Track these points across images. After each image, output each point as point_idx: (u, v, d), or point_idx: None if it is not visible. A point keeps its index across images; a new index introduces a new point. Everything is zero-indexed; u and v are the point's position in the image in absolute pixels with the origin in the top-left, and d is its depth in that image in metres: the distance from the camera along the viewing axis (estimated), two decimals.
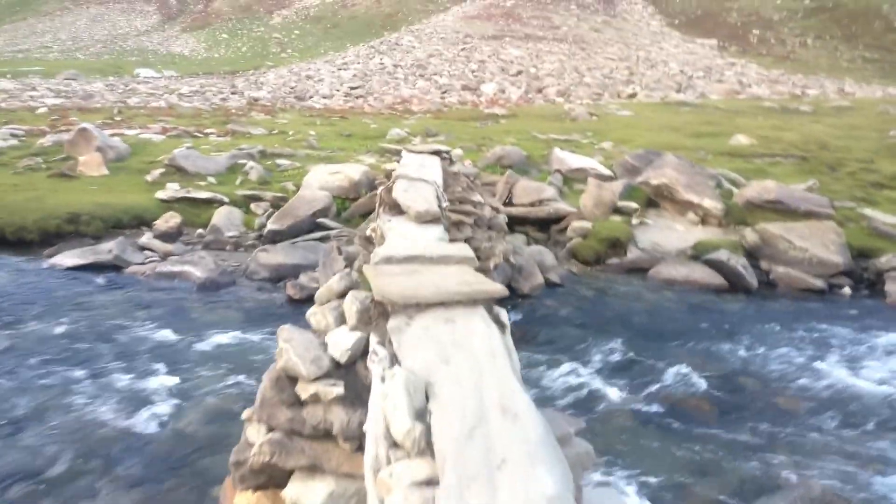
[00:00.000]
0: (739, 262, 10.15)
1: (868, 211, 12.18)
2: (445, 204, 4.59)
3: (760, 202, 12.26)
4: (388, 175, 8.12)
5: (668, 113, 28.60)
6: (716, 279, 10.11)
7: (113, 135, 19.12)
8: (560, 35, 68.89)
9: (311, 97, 42.41)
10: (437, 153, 7.84)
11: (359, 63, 61.31)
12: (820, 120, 26.02)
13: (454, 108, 34.23)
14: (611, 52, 61.33)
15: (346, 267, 9.60)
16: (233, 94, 43.34)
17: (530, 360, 7.51)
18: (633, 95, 40.74)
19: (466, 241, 8.15)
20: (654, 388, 6.95)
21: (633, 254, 11.03)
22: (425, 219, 3.96)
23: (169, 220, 11.88)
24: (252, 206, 13.23)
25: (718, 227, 12.20)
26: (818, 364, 7.73)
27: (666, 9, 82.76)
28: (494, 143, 19.30)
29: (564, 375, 7.12)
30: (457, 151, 8.62)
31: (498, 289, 3.14)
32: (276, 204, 13.21)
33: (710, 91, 44.11)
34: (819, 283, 10.15)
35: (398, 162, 8.04)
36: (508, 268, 9.21)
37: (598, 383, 6.93)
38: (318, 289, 9.58)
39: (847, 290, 10.10)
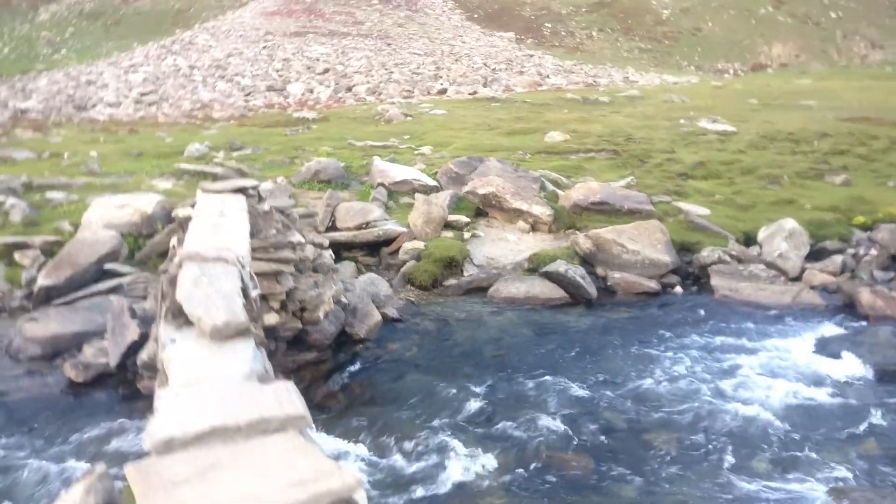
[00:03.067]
0: (577, 273, 9.86)
1: (683, 205, 12.60)
2: (256, 292, 3.38)
3: (587, 204, 12.21)
4: (179, 226, 6.61)
5: (480, 109, 28.83)
6: (556, 292, 9.74)
7: None
8: (364, 31, 68.01)
9: (94, 106, 37.67)
10: (241, 190, 6.48)
11: (149, 65, 55.90)
12: (619, 110, 27.58)
13: (260, 113, 32.03)
14: (416, 48, 61.58)
15: (139, 334, 7.92)
16: None
17: (374, 427, 6.47)
18: (443, 91, 40.95)
19: (288, 294, 6.92)
20: (516, 445, 6.23)
21: (469, 272, 10.38)
22: (225, 334, 2.76)
23: None
24: (16, 255, 10.74)
25: (549, 232, 11.96)
26: (669, 380, 7.52)
27: (465, 3, 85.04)
28: (308, 154, 17.90)
29: (417, 443, 6.16)
30: (265, 185, 7.31)
31: (351, 482, 2.03)
32: (49, 251, 10.85)
33: (514, 83, 45.66)
34: (653, 285, 10.16)
35: (191, 206, 6.56)
36: (341, 311, 8.06)
37: (456, 451, 6.05)
38: (106, 364, 7.84)
39: (679, 289, 10.22)
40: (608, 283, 10.24)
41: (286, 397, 2.49)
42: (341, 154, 17.95)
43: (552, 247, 11.24)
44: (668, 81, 51.86)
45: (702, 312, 9.46)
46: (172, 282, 3.38)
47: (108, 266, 10.50)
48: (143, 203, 11.84)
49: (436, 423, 6.49)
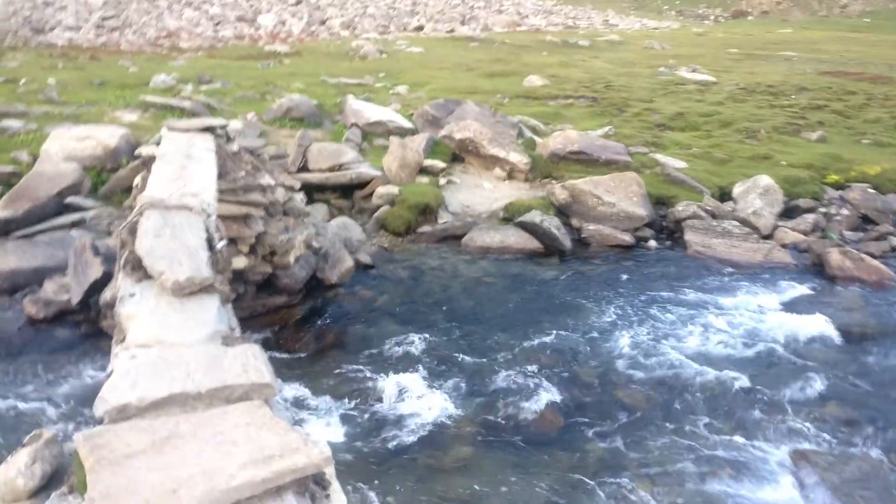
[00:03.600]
0: (553, 224, 9.76)
1: (660, 157, 12.49)
2: (221, 243, 3.19)
3: (565, 153, 12.04)
4: (143, 164, 6.28)
5: (458, 49, 28.10)
6: (531, 243, 9.66)
7: None
8: None
9: (52, 29, 35.73)
10: (209, 129, 6.16)
11: None
12: (599, 55, 27.13)
13: (230, 45, 30.81)
14: None
15: (103, 272, 7.66)
16: None
17: (344, 374, 6.42)
18: (420, 28, 39.80)
19: (258, 238, 6.70)
20: (485, 397, 6.23)
21: (444, 219, 10.22)
22: (188, 290, 2.59)
23: None
24: None
25: (525, 181, 11.80)
26: (638, 336, 7.55)
27: None
28: (280, 91, 17.31)
29: (384, 392, 6.13)
30: (234, 124, 6.98)
31: (318, 459, 1.91)
32: (8, 181, 10.38)
33: (493, 23, 44.53)
34: (627, 238, 10.13)
35: (156, 144, 6.24)
36: (312, 256, 7.88)
37: (423, 402, 6.03)
38: (68, 301, 7.59)
39: (652, 243, 10.20)
40: (583, 235, 10.18)
41: (252, 363, 2.34)
42: (314, 91, 17.39)
43: (528, 196, 11.10)
44: (648, 26, 51.09)
45: (674, 268, 9.48)
46: (133, 230, 3.17)
47: (70, 200, 10.10)
48: (106, 135, 11.34)
49: (404, 373, 6.44)
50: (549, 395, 6.28)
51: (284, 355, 6.64)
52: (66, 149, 10.92)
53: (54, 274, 7.86)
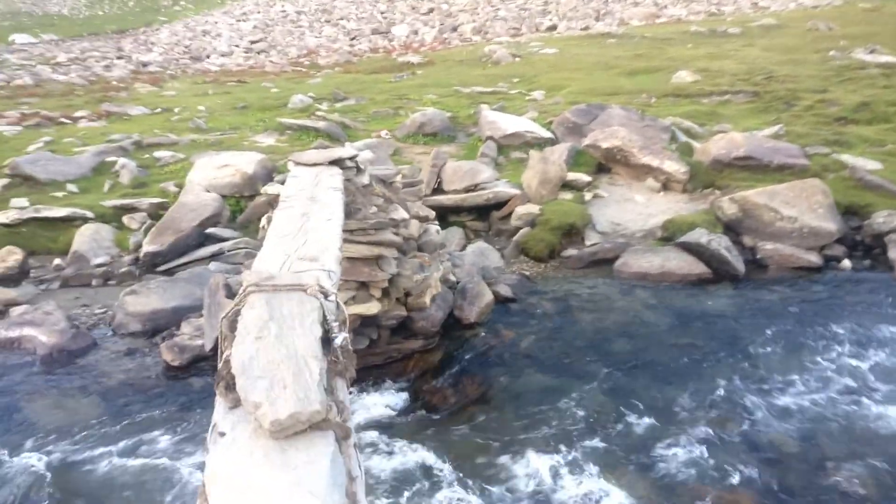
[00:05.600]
0: (722, 244, 8.42)
1: (846, 157, 10.65)
2: (342, 337, 2.47)
3: (729, 160, 10.55)
4: (269, 205, 5.84)
5: (594, 47, 26.62)
6: (696, 267, 8.39)
7: None
8: None
9: (207, 56, 38.32)
10: (337, 162, 5.62)
11: (259, 12, 56.55)
12: (753, 42, 24.59)
13: (365, 58, 31.30)
14: None
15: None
16: (119, 58, 38.57)
17: (487, 438, 5.59)
18: (553, 28, 38.52)
19: (391, 280, 6.07)
20: (658, 473, 5.16)
21: (592, 240, 9.17)
22: (293, 430, 1.91)
23: (6, 258, 9.21)
24: (125, 218, 10.62)
25: (683, 192, 10.46)
26: (845, 386, 6.13)
27: None
28: (413, 104, 16.96)
29: (536, 461, 5.23)
30: (364, 154, 6.42)
31: None
32: (156, 213, 10.66)
33: (630, 16, 42.26)
34: (814, 259, 8.57)
35: (280, 183, 5.79)
36: (449, 292, 7.18)
37: (584, 475, 5.08)
38: (202, 346, 7.41)
39: (846, 264, 8.56)
40: (758, 256, 8.73)
41: None
42: (447, 102, 16.88)
43: (688, 210, 9.78)
44: (805, 5, 46.32)
45: (879, 295, 7.84)
46: (233, 324, 2.54)
47: (210, 230, 10.17)
48: (244, 162, 11.39)
49: (558, 436, 5.53)
50: (738, 470, 5.11)
51: (422, 412, 5.95)
52: (207, 178, 11.07)
53: (191, 314, 7.74)
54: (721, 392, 6.09)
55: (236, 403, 2.16)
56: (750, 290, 8.09)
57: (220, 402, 2.24)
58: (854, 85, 15.80)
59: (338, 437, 2.05)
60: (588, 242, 9.12)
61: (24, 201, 10.84)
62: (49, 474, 5.27)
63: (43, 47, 47.90)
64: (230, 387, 2.23)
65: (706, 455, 5.27)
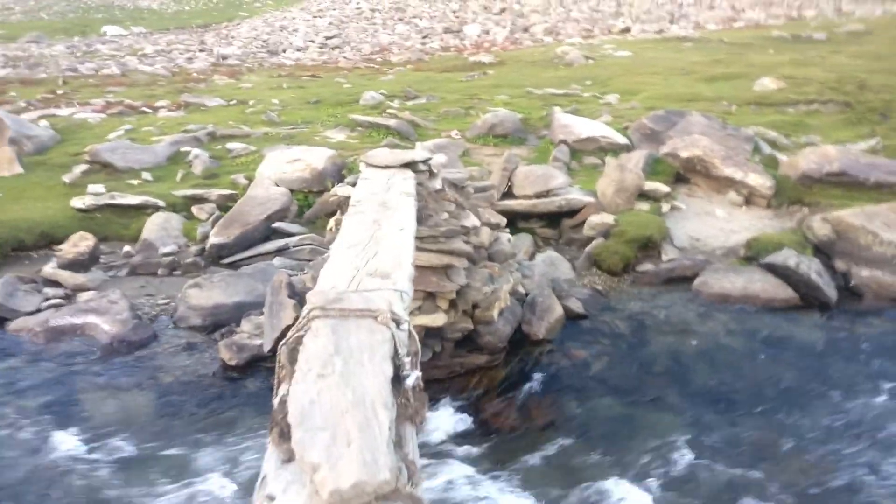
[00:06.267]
0: (812, 268, 7.82)
1: None
2: (414, 376, 2.22)
3: (820, 175, 9.86)
4: (338, 206, 5.66)
5: (669, 51, 25.73)
6: (782, 291, 7.82)
7: (40, 117, 16.40)
8: None
9: (284, 51, 38.96)
10: (409, 165, 5.40)
11: (335, 9, 57.35)
12: (840, 49, 23.25)
13: (436, 56, 31.18)
14: None
15: (295, 318, 7.28)
16: (201, 51, 39.66)
17: (555, 469, 5.26)
18: (626, 30, 37.53)
19: (459, 291, 5.81)
20: None
21: (669, 255, 8.68)
22: (356, 502, 1.65)
23: (78, 243, 9.37)
24: (195, 209, 10.71)
25: (767, 208, 9.83)
26: None
27: None
28: (484, 104, 16.67)
29: (618, 500, 4.87)
30: (437, 157, 6.20)
31: None
32: (224, 205, 10.72)
33: (706, 20, 40.86)
34: None
35: (351, 184, 5.61)
36: (518, 305, 6.87)
37: None
38: (261, 346, 7.30)
39: None
40: (852, 284, 8.07)
41: None
42: (518, 103, 16.52)
43: (773, 228, 9.17)
44: (894, 11, 43.73)
45: None
46: (293, 354, 2.32)
47: (277, 225, 10.15)
48: (314, 158, 11.36)
49: (632, 471, 5.15)
50: None
51: (484, 434, 5.66)
52: (276, 172, 11.07)
53: (253, 311, 7.66)
54: (810, 428, 5.58)
55: (290, 456, 1.92)
56: (843, 320, 7.47)
57: (271, 452, 2.01)
58: None
59: None
60: (665, 257, 8.64)
61: (100, 187, 11.07)
62: (98, 472, 5.23)
63: (132, 39, 49.75)
64: (285, 435, 1.99)
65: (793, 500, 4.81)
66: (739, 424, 5.74)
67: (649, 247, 8.75)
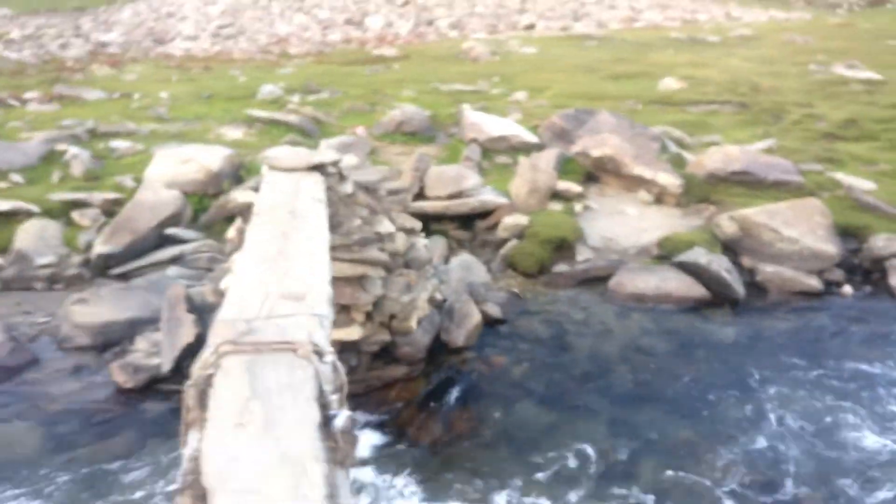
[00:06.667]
0: (722, 266, 7.96)
1: (840, 176, 10.31)
2: (342, 418, 1.83)
3: (725, 174, 10.12)
4: (240, 215, 5.10)
5: (575, 48, 26.19)
6: (694, 290, 7.91)
7: None
8: None
9: (172, 40, 36.75)
10: (318, 168, 4.93)
11: None
12: (733, 52, 24.44)
13: (338, 49, 30.33)
14: None
15: (195, 335, 6.65)
16: (76, 37, 36.76)
17: (477, 480, 4.99)
18: (531, 27, 38.02)
19: (376, 303, 5.41)
20: None
21: (583, 255, 8.63)
22: None
23: None
24: (76, 214, 9.69)
25: (676, 206, 10.00)
26: (859, 429, 5.70)
27: None
28: (389, 99, 16.23)
29: None
30: (348, 158, 5.76)
31: None
32: (110, 210, 9.76)
33: (607, 19, 42.05)
34: (815, 283, 8.18)
35: (253, 189, 5.09)
36: (436, 313, 6.54)
37: None
38: (158, 366, 6.64)
39: (847, 289, 8.19)
40: (757, 279, 8.29)
41: None
42: (426, 100, 16.20)
43: (683, 226, 9.32)
44: (777, 18, 46.80)
45: (883, 323, 7.46)
46: (202, 398, 1.88)
47: (170, 231, 9.35)
48: (209, 158, 10.56)
49: (555, 477, 4.98)
50: None
51: (406, 447, 5.32)
52: (167, 174, 10.21)
53: (147, 327, 6.96)
54: (725, 428, 5.61)
55: None
56: (751, 315, 7.64)
57: None
58: (838, 101, 15.62)
59: None
60: (580, 258, 8.58)
61: None
62: None
63: None
64: (200, 499, 1.56)
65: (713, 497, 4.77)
66: (659, 423, 5.70)
67: (564, 247, 8.66)
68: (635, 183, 10.20)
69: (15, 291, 8.21)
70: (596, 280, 8.26)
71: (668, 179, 9.89)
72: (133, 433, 5.63)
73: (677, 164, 10.85)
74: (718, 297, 7.87)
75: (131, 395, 6.11)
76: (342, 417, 2.00)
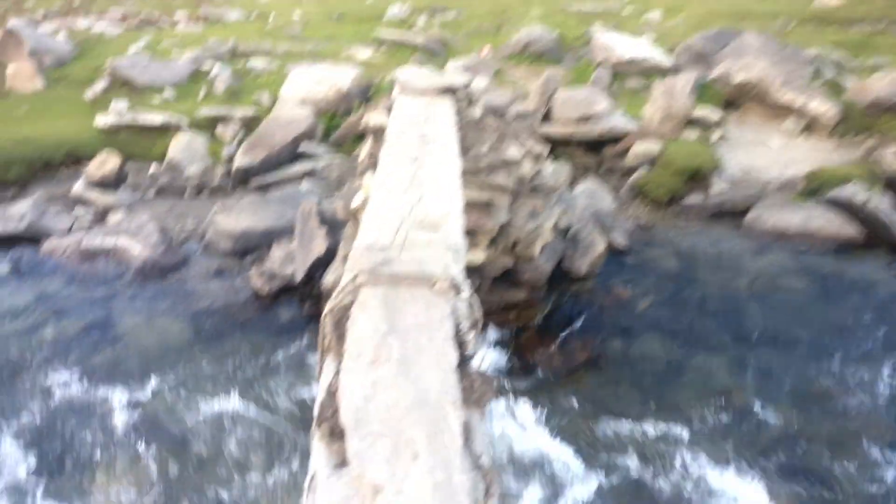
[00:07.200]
0: (882, 205, 7.24)
1: None
2: (482, 357, 1.85)
3: (892, 103, 9.06)
4: (373, 136, 5.18)
5: None
6: (845, 229, 7.28)
7: (59, 29, 15.82)
8: None
9: None
10: (449, 91, 4.88)
11: None
12: None
13: None
14: None
15: (326, 248, 6.94)
16: None
17: (598, 413, 4.98)
18: None
19: (500, 229, 5.40)
20: (806, 483, 4.42)
21: (718, 188, 8.14)
22: None
23: (104, 163, 9.08)
24: (219, 128, 10.30)
25: (829, 138, 9.12)
26: None
27: None
28: (516, 20, 15.70)
29: (651, 448, 4.61)
30: (478, 81, 5.65)
31: None
32: (249, 124, 10.27)
33: None
34: None
35: (385, 109, 5.11)
36: (559, 241, 6.45)
37: (707, 475, 4.42)
38: (292, 275, 7.04)
39: None
40: None
41: None
42: (553, 20, 15.52)
43: (836, 160, 8.52)
44: None
45: None
46: (339, 325, 1.95)
47: (303, 147, 9.73)
48: (340, 77, 10.78)
49: (675, 415, 4.87)
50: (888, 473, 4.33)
51: (523, 373, 5.37)
52: (301, 92, 10.55)
53: (282, 237, 7.36)
54: (865, 383, 5.21)
55: (343, 460, 1.57)
56: None
57: (320, 450, 1.65)
58: None
59: None
60: (714, 190, 8.09)
61: (123, 106, 10.63)
62: (132, 400, 5.08)
63: None
64: (336, 434, 1.64)
65: (844, 453, 4.50)
66: (791, 369, 5.39)
67: (697, 178, 8.20)
68: (782, 111, 9.38)
69: (168, 198, 8.93)
70: (731, 214, 7.79)
71: (822, 108, 9.00)
72: (268, 335, 6.04)
73: (834, 90, 9.83)
74: (874, 240, 7.20)
75: (266, 300, 6.53)
76: (479, 356, 2.02)
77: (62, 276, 6.97)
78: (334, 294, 2.06)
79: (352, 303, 2.00)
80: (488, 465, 1.59)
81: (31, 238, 7.75)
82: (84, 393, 5.19)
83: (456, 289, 2.07)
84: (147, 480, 4.40)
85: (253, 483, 4.40)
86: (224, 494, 4.34)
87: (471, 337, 1.96)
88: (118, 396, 5.15)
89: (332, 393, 1.69)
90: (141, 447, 4.66)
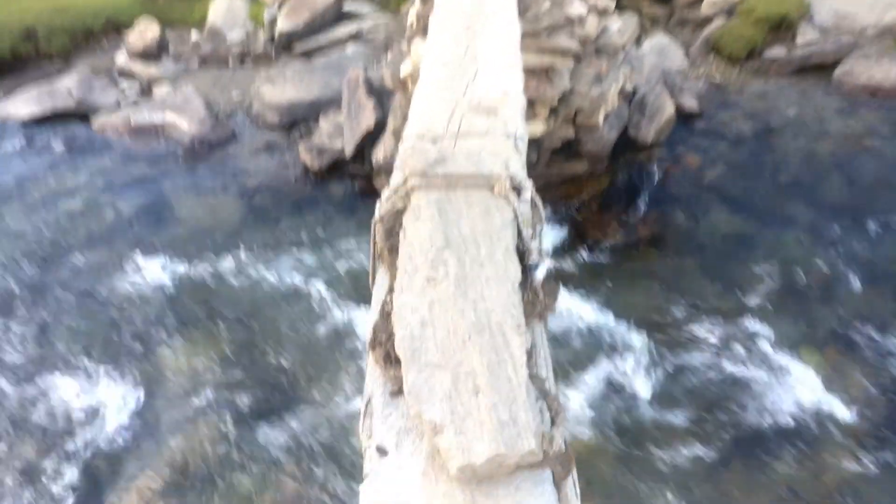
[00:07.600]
0: None
1: None
2: (542, 268, 1.63)
3: None
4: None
5: None
6: None
7: None
8: None
9: None
10: None
11: None
12: None
13: None
14: None
15: (375, 121, 6.59)
16: None
17: (659, 288, 4.79)
18: None
19: (562, 98, 4.96)
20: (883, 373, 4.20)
21: (806, 37, 7.29)
22: (492, 476, 1.19)
23: (145, 32, 8.76)
24: None
25: None
26: None
27: None
28: None
29: (723, 329, 4.43)
30: None
31: None
32: None
33: None
34: None
35: None
36: (625, 106, 5.95)
37: (782, 358, 4.24)
38: (342, 150, 6.81)
39: None
40: None
41: None
42: None
43: None
44: None
45: None
46: (391, 235, 1.75)
47: (347, 6, 9.14)
48: None
49: (746, 297, 4.63)
50: None
51: (583, 249, 5.16)
52: None
53: (329, 108, 7.06)
54: None
55: (399, 387, 1.43)
56: None
57: (375, 373, 1.52)
58: None
59: (556, 478, 1.30)
60: (801, 40, 7.26)
61: None
62: (186, 280, 5.15)
63: None
64: (390, 359, 1.49)
65: None
66: (880, 247, 4.99)
67: (783, 27, 7.35)
68: None
69: (211, 68, 8.65)
70: (819, 68, 7.01)
71: None
72: (322, 212, 5.94)
73: None
74: None
75: (317, 175, 6.38)
76: (543, 268, 1.80)
77: (115, 154, 6.95)
78: (384, 197, 1.85)
79: (404, 208, 1.79)
80: (554, 392, 1.43)
81: (81, 114, 7.69)
82: (140, 271, 5.27)
83: (517, 189, 1.83)
84: (215, 352, 4.53)
85: (316, 350, 4.49)
86: (285, 363, 4.44)
87: (534, 245, 1.75)
88: (178, 273, 5.22)
89: (386, 314, 1.54)
90: (202, 321, 4.76)
